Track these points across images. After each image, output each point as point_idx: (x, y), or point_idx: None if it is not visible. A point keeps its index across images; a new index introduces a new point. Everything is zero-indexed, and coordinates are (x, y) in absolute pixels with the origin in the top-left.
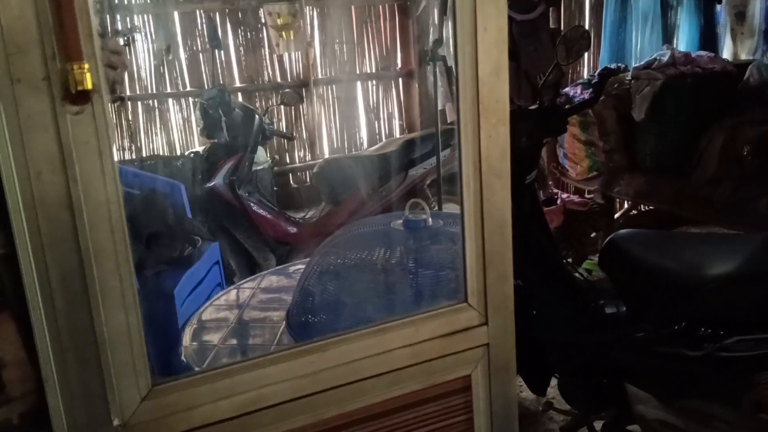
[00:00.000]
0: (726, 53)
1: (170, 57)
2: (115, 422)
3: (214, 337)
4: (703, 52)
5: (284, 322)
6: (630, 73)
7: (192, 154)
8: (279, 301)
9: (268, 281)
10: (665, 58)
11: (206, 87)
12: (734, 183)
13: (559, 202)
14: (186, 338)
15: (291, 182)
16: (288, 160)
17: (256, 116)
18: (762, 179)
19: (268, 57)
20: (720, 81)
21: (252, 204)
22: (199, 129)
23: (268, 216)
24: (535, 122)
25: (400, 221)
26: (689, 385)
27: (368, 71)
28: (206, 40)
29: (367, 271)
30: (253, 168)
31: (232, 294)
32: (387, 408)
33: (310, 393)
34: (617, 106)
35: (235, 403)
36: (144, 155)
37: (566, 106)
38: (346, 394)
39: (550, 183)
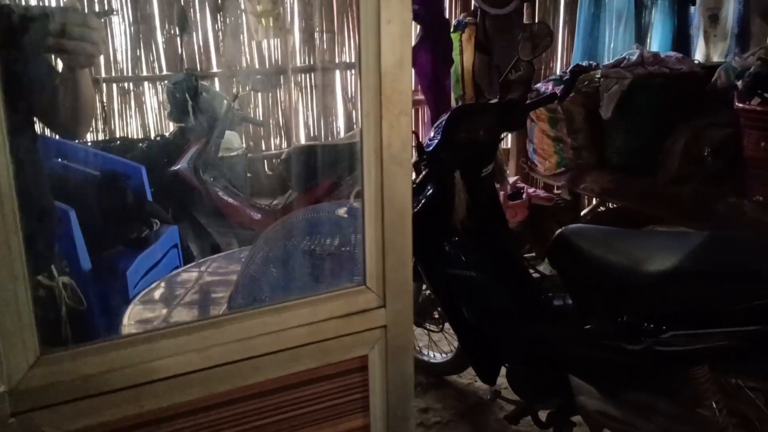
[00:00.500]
0: (699, 55)
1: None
2: (1, 388)
3: (153, 317)
4: (672, 53)
5: (226, 305)
6: (600, 71)
7: (158, 138)
8: (225, 284)
9: (216, 265)
10: (634, 58)
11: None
12: (696, 183)
13: (524, 196)
14: (125, 317)
15: (266, 169)
16: (264, 147)
17: (225, 101)
18: (723, 180)
19: (246, 43)
20: (687, 82)
21: (217, 189)
22: (166, 113)
23: (233, 202)
24: (494, 116)
25: (345, 209)
26: (629, 378)
27: (347, 60)
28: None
29: (302, 257)
30: (227, 154)
31: (182, 276)
32: (283, 384)
33: (203, 368)
34: (586, 103)
35: (127, 374)
36: (117, 137)
37: (526, 102)
38: (240, 369)
39: (518, 177)
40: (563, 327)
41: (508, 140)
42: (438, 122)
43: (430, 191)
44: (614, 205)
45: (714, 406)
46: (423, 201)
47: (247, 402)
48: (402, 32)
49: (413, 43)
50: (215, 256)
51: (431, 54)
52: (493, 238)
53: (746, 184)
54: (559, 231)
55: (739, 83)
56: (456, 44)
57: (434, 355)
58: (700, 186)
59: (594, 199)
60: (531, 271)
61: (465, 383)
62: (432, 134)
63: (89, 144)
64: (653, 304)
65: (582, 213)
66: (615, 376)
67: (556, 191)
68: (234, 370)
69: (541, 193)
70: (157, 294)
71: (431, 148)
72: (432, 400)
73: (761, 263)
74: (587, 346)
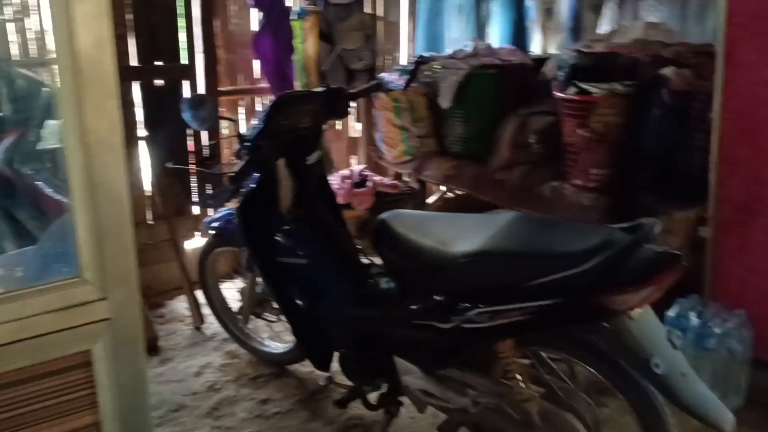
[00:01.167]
0: (537, 47)
1: None
2: None
3: None
4: (505, 45)
5: None
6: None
7: None
8: None
9: None
10: (468, 49)
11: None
12: (523, 169)
13: (369, 184)
14: None
15: None
16: None
17: (42, 90)
18: (547, 166)
19: None
20: (518, 73)
21: (35, 182)
22: None
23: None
24: (318, 105)
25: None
26: (444, 356)
27: None
28: None
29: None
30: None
31: None
32: None
33: None
34: (427, 93)
35: None
36: None
37: (350, 91)
38: None
39: (365, 166)
40: (386, 310)
41: (356, 129)
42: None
43: (255, 180)
44: (460, 192)
45: (519, 378)
46: (247, 190)
47: None
48: (98, 11)
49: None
50: None
51: (273, 41)
52: (323, 225)
53: (566, 170)
54: (379, 217)
55: (559, 74)
56: (298, 32)
57: (276, 346)
58: (527, 171)
59: (441, 186)
60: (364, 257)
61: (307, 371)
62: (254, 122)
63: None
64: (459, 283)
65: (430, 200)
66: (432, 354)
67: (405, 179)
68: None
69: (386, 180)
70: None
71: (251, 136)
72: (273, 390)
73: (552, 243)
74: (406, 328)
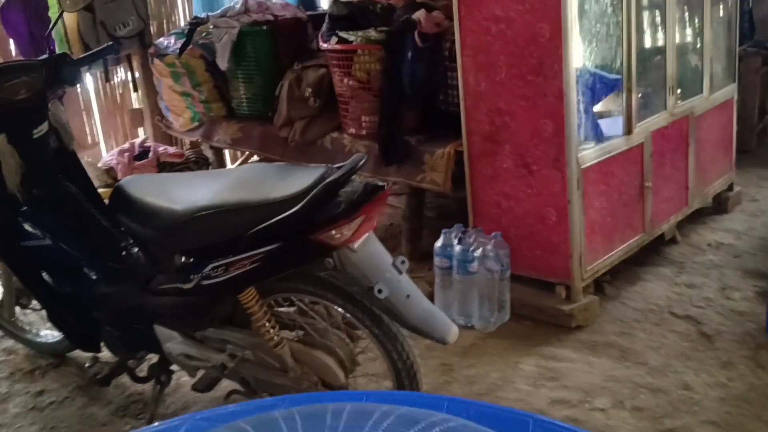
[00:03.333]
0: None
1: None
2: None
3: None
4: (278, 0)
5: None
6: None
7: None
8: None
9: None
10: (238, 6)
11: None
12: (303, 124)
13: (151, 155)
14: None
15: None
16: None
17: None
18: (326, 118)
19: None
20: (292, 28)
21: None
22: None
23: None
24: (38, 74)
25: None
26: (197, 317)
27: None
28: None
29: None
30: None
31: None
32: None
33: None
34: (204, 55)
35: None
36: None
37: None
38: None
39: (146, 137)
40: (136, 280)
41: (138, 99)
42: None
43: None
44: (263, 156)
45: (267, 325)
46: None
47: None
48: None
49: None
50: None
51: (23, 13)
52: (65, 201)
53: (342, 120)
54: (116, 183)
55: (324, 25)
56: (53, 2)
57: (51, 335)
58: (305, 126)
59: (244, 152)
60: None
61: (89, 356)
62: None
63: None
64: (189, 241)
65: (234, 166)
66: (186, 317)
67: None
68: None
69: (171, 150)
70: None
71: None
72: (50, 381)
73: (271, 190)
74: (158, 294)
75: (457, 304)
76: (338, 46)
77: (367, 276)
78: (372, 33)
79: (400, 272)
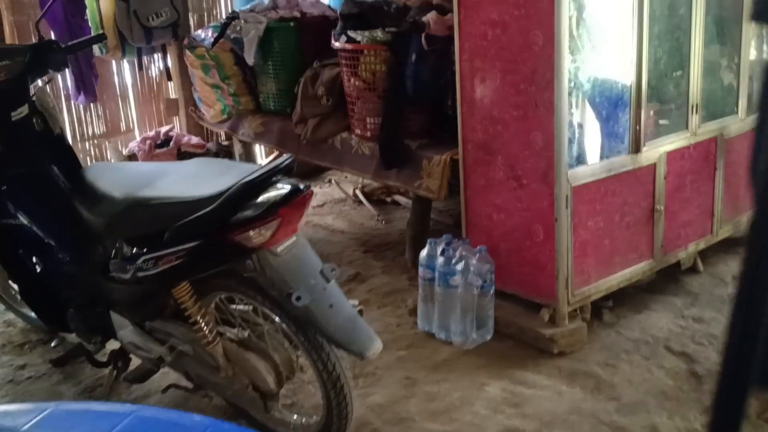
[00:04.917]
0: None
1: None
2: None
3: None
4: None
5: None
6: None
7: None
8: None
9: None
10: (266, 2)
11: None
12: (315, 122)
13: (171, 144)
14: None
15: None
16: None
17: None
18: (338, 118)
19: None
20: (319, 25)
21: None
22: None
23: None
24: (20, 58)
25: None
26: (139, 306)
27: None
28: None
29: None
30: None
31: None
32: None
33: None
34: (234, 49)
35: None
36: None
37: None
38: None
39: (171, 126)
40: (97, 264)
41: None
42: None
43: None
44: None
45: (200, 321)
46: None
47: None
48: None
49: None
50: None
51: (62, 1)
52: (44, 183)
53: (350, 121)
54: (80, 172)
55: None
56: None
57: None
58: (316, 124)
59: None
60: None
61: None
62: None
63: None
64: (125, 231)
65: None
66: (131, 305)
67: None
68: None
69: (194, 139)
70: None
71: None
72: (35, 356)
73: (199, 187)
74: (107, 281)
75: (437, 318)
76: (347, 46)
77: (287, 281)
78: (378, 33)
79: (328, 280)
